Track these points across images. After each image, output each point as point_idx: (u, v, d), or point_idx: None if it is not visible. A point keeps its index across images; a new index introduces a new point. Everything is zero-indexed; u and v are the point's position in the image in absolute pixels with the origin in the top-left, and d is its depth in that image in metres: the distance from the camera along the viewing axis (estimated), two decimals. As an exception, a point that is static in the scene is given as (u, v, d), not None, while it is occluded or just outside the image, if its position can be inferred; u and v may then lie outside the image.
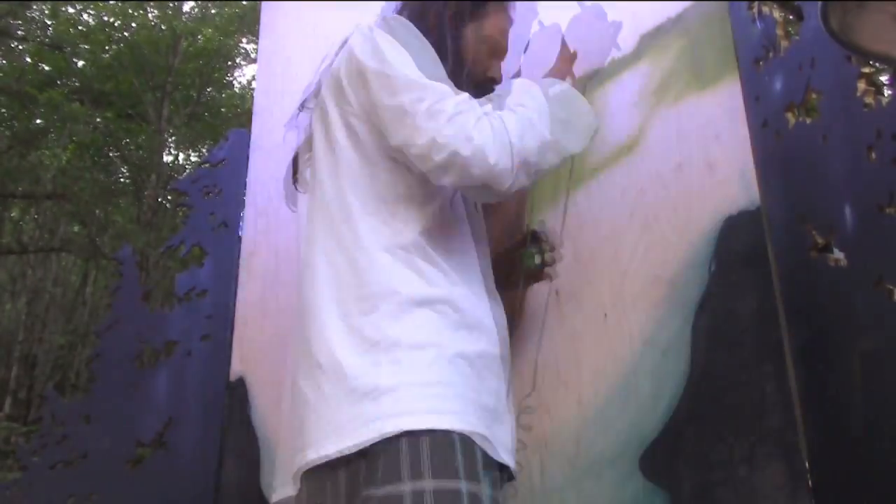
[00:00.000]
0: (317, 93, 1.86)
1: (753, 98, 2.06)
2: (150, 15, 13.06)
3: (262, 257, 3.13)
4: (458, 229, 1.69)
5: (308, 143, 1.94)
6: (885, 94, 1.85)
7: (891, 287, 1.71)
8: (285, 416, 1.64)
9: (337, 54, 1.74)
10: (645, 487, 1.89)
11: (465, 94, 1.54)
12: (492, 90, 1.81)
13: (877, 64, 1.78)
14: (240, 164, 3.47)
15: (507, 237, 2.38)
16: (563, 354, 2.13)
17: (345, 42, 1.71)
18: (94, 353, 3.58)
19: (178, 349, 3.25)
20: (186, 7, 14.44)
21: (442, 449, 1.37)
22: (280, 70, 3.44)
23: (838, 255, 1.81)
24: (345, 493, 1.41)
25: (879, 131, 1.81)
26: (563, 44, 2.20)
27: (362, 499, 1.35)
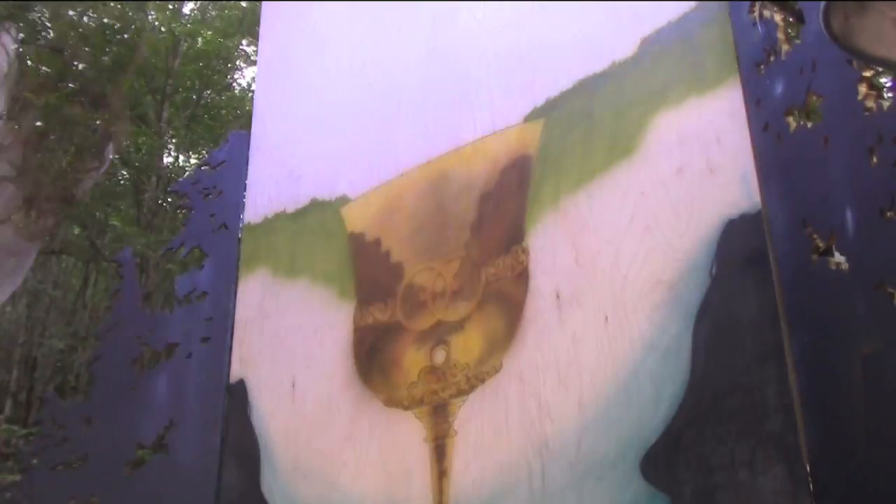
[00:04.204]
0: None
1: (754, 101, 2.07)
2: (149, 17, 13.06)
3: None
4: None
5: None
6: (886, 98, 1.85)
7: (891, 290, 1.71)
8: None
9: None
10: (646, 490, 1.89)
11: None
12: None
13: (878, 67, 1.78)
14: (239, 165, 3.48)
15: (505, 238, 2.39)
16: (564, 357, 2.13)
17: None
18: (94, 356, 3.58)
19: (178, 351, 3.25)
20: (186, 9, 14.45)
21: None
22: (280, 72, 3.45)
23: (839, 258, 1.81)
24: None
25: (880, 135, 1.81)
26: None
27: None
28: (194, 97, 13.56)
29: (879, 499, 1.66)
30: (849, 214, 1.83)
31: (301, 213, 3.07)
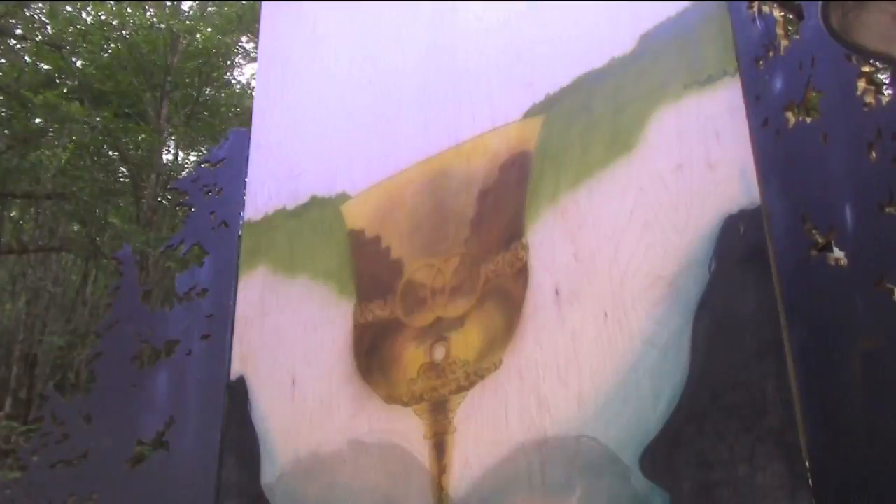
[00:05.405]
0: None
1: (754, 97, 2.07)
2: (148, 14, 13.04)
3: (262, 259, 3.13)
4: None
5: None
6: (885, 93, 1.85)
7: (891, 286, 1.71)
8: None
9: None
10: (645, 486, 1.89)
11: None
12: None
13: (877, 63, 1.78)
14: (239, 163, 3.48)
15: (505, 235, 2.39)
16: (564, 353, 2.14)
17: None
18: (94, 353, 3.58)
19: (178, 348, 3.26)
20: (185, 6, 14.44)
21: None
22: (280, 69, 3.44)
23: (838, 254, 1.81)
24: None
25: (880, 130, 1.81)
26: None
27: None
28: (194, 94, 13.56)
29: (879, 495, 1.66)
30: (848, 210, 1.83)
31: (301, 211, 3.08)
